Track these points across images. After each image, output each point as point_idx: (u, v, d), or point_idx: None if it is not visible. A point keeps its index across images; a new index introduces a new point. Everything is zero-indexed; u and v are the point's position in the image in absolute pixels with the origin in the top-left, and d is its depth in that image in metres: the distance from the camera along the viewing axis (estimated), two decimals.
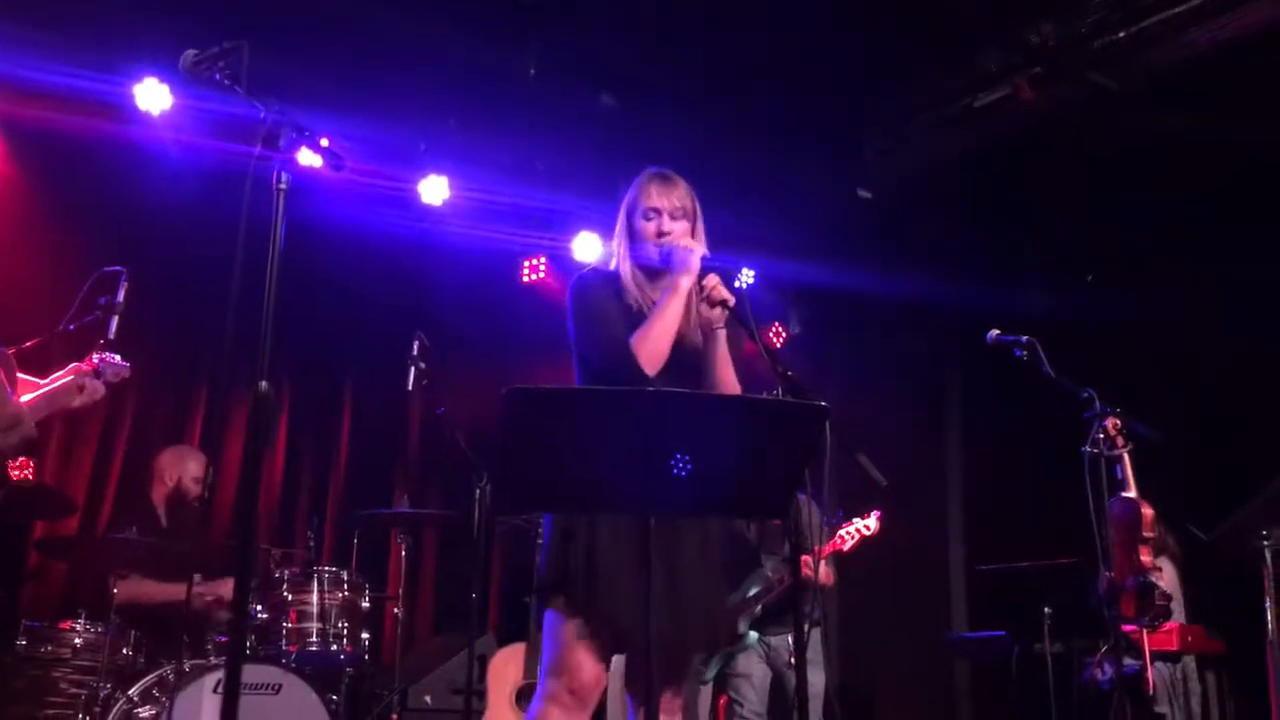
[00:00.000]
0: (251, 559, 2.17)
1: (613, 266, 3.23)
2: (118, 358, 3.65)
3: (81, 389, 3.46)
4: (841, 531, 5.40)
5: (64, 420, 5.94)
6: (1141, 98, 6.00)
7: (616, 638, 2.95)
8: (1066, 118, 6.20)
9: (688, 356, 3.07)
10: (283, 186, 2.31)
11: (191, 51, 2.52)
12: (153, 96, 5.54)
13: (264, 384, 2.14)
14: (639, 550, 2.88)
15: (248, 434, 2.17)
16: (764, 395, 3.22)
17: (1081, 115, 6.16)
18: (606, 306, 3.08)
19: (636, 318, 3.06)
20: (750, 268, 7.63)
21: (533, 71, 6.15)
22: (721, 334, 3.12)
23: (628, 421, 2.37)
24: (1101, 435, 4.21)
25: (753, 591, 5.53)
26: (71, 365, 3.58)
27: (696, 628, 3.01)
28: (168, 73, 5.51)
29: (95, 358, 3.64)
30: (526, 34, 6.03)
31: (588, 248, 6.98)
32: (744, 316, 3.03)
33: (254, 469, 2.13)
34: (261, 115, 2.33)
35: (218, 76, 2.45)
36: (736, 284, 3.08)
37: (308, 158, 6.25)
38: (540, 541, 3.12)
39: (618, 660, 3.07)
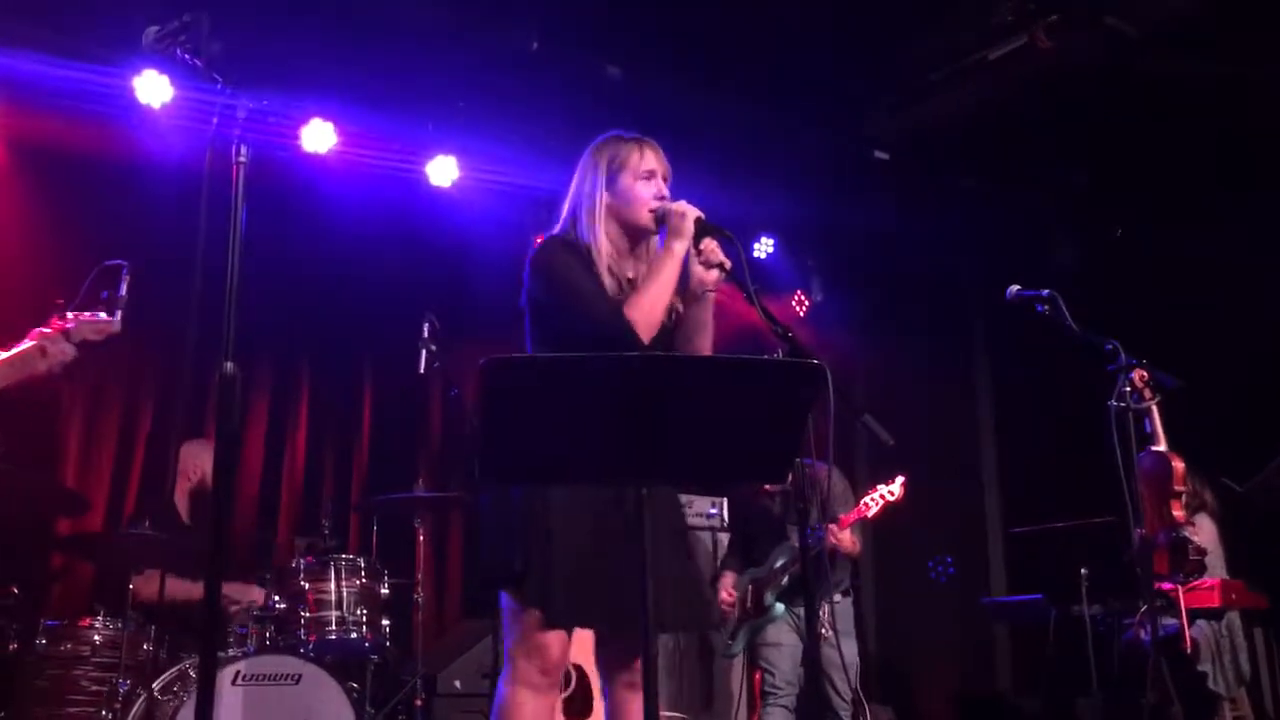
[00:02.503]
0: (225, 545, 2.10)
1: (557, 229, 3.12)
2: (102, 315, 3.51)
3: (44, 352, 3.34)
4: (866, 499, 5.33)
5: (82, 417, 5.95)
6: (1160, 43, 5.83)
7: (581, 616, 2.90)
8: (1085, 66, 6.03)
9: (666, 323, 2.99)
10: (242, 160, 2.23)
11: (153, 28, 2.45)
12: (153, 89, 5.48)
13: (229, 365, 2.07)
14: (606, 528, 2.83)
15: (217, 417, 2.09)
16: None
17: (1100, 63, 5.99)
18: (584, 275, 2.98)
19: (609, 290, 2.98)
20: (769, 236, 7.53)
21: (535, 46, 6.04)
22: (711, 298, 3.03)
23: (615, 388, 2.28)
24: (1128, 388, 4.06)
25: (779, 563, 5.45)
26: (35, 330, 3.48)
27: (672, 606, 2.91)
28: (166, 64, 5.45)
29: (70, 316, 3.52)
30: (525, 8, 5.91)
31: None
32: (741, 279, 2.93)
33: (228, 452, 2.06)
34: (219, 86, 2.25)
35: (179, 52, 2.36)
36: (755, 250, 3.01)
37: (313, 142, 6.22)
38: (482, 526, 3.00)
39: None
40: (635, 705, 2.99)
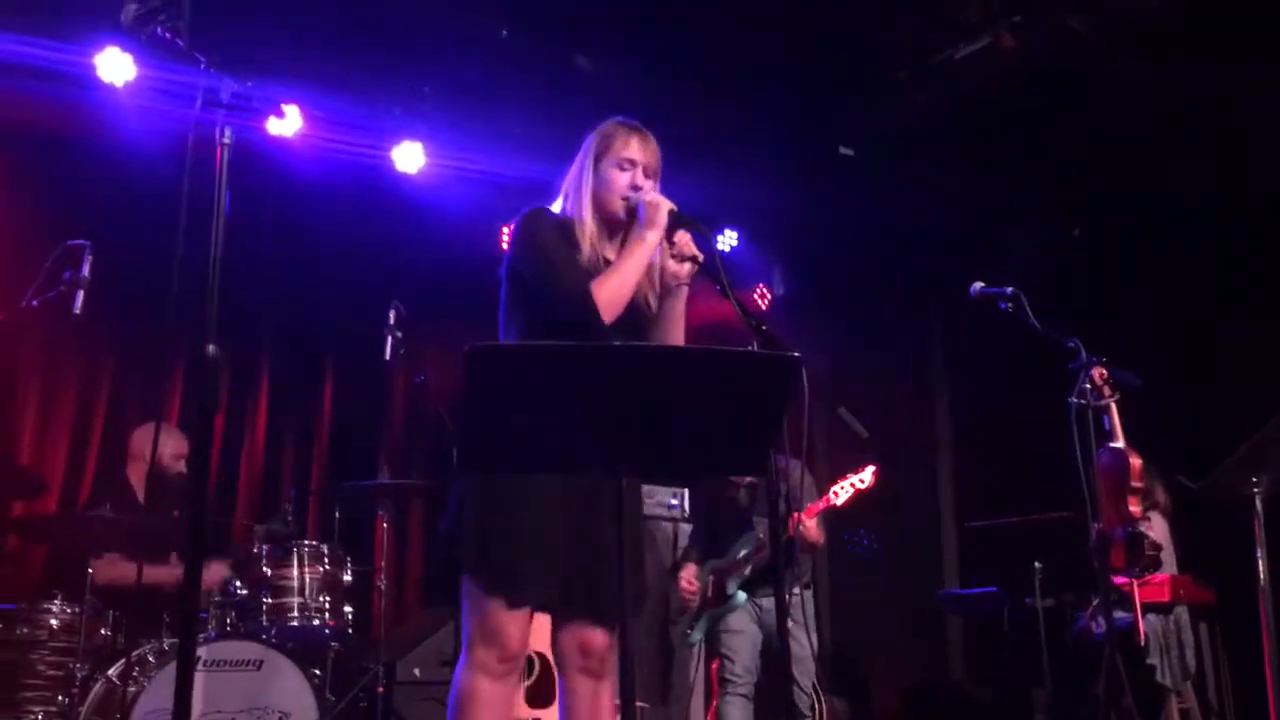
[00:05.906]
0: (203, 530, 2.09)
1: (556, 208, 3.12)
2: None
3: None
4: (835, 488, 5.33)
5: (38, 397, 5.87)
6: (1124, 44, 5.91)
7: (542, 601, 2.92)
8: (1049, 66, 6.10)
9: (635, 314, 3.00)
10: (227, 142, 2.21)
11: (132, 5, 2.42)
12: (115, 67, 5.41)
13: (211, 347, 2.06)
14: (568, 513, 2.86)
15: (194, 397, 2.08)
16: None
17: (1064, 63, 6.07)
18: (562, 247, 2.98)
19: (588, 269, 2.97)
20: (732, 229, 7.56)
21: (504, 33, 6.02)
22: (683, 291, 3.05)
23: (595, 379, 2.29)
24: (1088, 385, 4.13)
25: (743, 553, 5.48)
26: None
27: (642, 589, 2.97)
28: (130, 41, 5.38)
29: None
30: None
31: None
32: (714, 272, 2.95)
33: (205, 434, 2.05)
34: (202, 66, 2.23)
35: (159, 31, 2.34)
36: (719, 243, 3.01)
37: (278, 126, 6.16)
38: (450, 510, 2.99)
39: None
40: (586, 689, 2.99)
